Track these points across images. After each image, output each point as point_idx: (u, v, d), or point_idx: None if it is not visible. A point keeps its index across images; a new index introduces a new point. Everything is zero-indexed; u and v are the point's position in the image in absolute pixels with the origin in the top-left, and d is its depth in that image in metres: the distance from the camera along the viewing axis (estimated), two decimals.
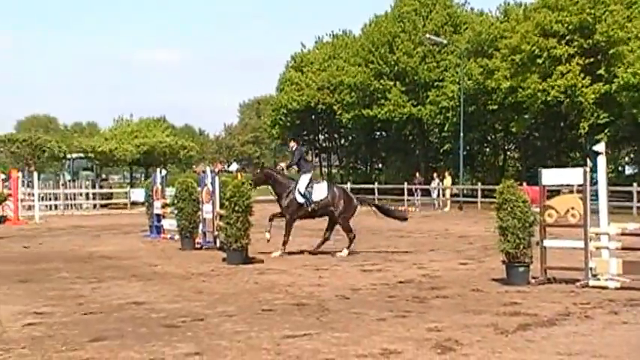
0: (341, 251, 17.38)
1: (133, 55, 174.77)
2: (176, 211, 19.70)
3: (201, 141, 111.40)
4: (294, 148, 18.63)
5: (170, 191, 23.12)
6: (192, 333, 8.61)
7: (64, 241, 22.21)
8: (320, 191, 17.72)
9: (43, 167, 52.48)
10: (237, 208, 15.37)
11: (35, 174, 37.87)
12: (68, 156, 53.48)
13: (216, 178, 18.99)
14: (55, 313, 10.05)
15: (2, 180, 32.42)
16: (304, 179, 17.76)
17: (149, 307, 10.40)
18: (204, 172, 20.47)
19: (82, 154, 53.46)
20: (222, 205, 16.91)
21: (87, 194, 45.83)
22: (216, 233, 18.33)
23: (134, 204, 42.73)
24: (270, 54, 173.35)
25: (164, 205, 22.76)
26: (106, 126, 68.48)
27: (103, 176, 55.64)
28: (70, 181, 47.57)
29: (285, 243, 17.35)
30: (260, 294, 11.59)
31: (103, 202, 46.58)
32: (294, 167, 18.30)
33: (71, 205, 43.72)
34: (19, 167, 44.33)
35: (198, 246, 19.17)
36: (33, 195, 36.23)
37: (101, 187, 49.04)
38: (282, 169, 18.48)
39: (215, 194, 18.68)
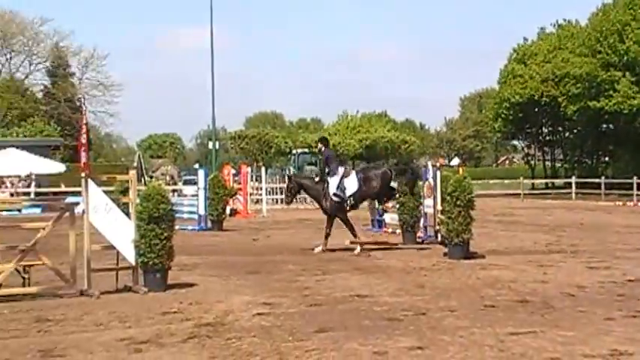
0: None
1: (356, 51, 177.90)
2: (398, 206, 19.84)
3: (422, 135, 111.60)
4: (322, 151, 18.59)
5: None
6: (414, 327, 8.65)
7: (290, 234, 22.94)
8: (351, 185, 17.58)
9: (270, 162, 54.56)
10: (458, 202, 15.26)
11: (263, 168, 39.40)
12: (293, 151, 55.27)
13: (438, 172, 18.93)
14: (282, 303, 10.41)
15: (233, 174, 33.87)
16: (333, 182, 17.68)
17: (372, 300, 10.54)
18: (425, 166, 20.49)
19: (306, 149, 55.03)
20: (443, 200, 16.85)
21: None
22: (437, 227, 18.28)
23: None
24: (490, 47, 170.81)
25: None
26: (330, 121, 70.11)
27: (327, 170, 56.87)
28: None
29: (327, 236, 17.54)
30: (482, 289, 11.45)
31: None
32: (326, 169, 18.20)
33: (296, 199, 45.01)
34: (248, 162, 46.28)
35: (420, 240, 19.20)
36: (261, 189, 37.69)
37: None
38: (315, 176, 18.61)
39: (436, 189, 18.64)
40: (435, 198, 18.68)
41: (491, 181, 60.23)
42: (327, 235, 17.67)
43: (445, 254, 15.77)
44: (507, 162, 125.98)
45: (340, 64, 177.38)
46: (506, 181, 61.16)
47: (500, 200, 46.27)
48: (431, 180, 19.04)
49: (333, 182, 17.70)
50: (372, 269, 14.17)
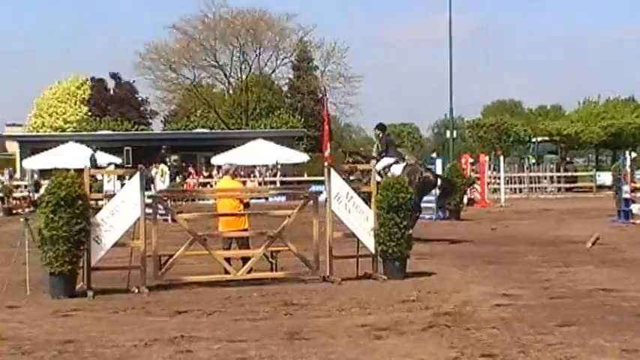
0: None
1: (597, 32, 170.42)
2: None
3: None
4: (380, 136, 18.62)
5: None
6: None
7: (529, 224, 22.45)
8: (395, 171, 17.35)
9: (508, 151, 53.55)
10: None
11: (501, 157, 38.78)
12: (533, 139, 53.97)
13: None
14: (521, 295, 10.23)
15: (470, 163, 33.59)
16: (384, 161, 17.82)
17: (618, 295, 10.13)
18: None
19: (546, 138, 53.56)
20: None
21: (551, 177, 45.83)
22: None
23: (600, 187, 41.84)
24: None
25: (634, 190, 21.99)
26: (571, 108, 67.65)
27: (568, 159, 55.06)
28: (534, 164, 47.96)
29: None
30: None
31: (568, 185, 46.22)
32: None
33: (535, 188, 44.01)
34: (486, 151, 45.72)
35: None
36: (499, 178, 37.14)
37: (566, 170, 48.67)
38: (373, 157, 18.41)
39: None
40: None
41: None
42: None
43: None
44: None
45: (580, 47, 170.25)
46: None
47: None
48: None
49: (381, 163, 17.83)
50: (619, 262, 13.62)
